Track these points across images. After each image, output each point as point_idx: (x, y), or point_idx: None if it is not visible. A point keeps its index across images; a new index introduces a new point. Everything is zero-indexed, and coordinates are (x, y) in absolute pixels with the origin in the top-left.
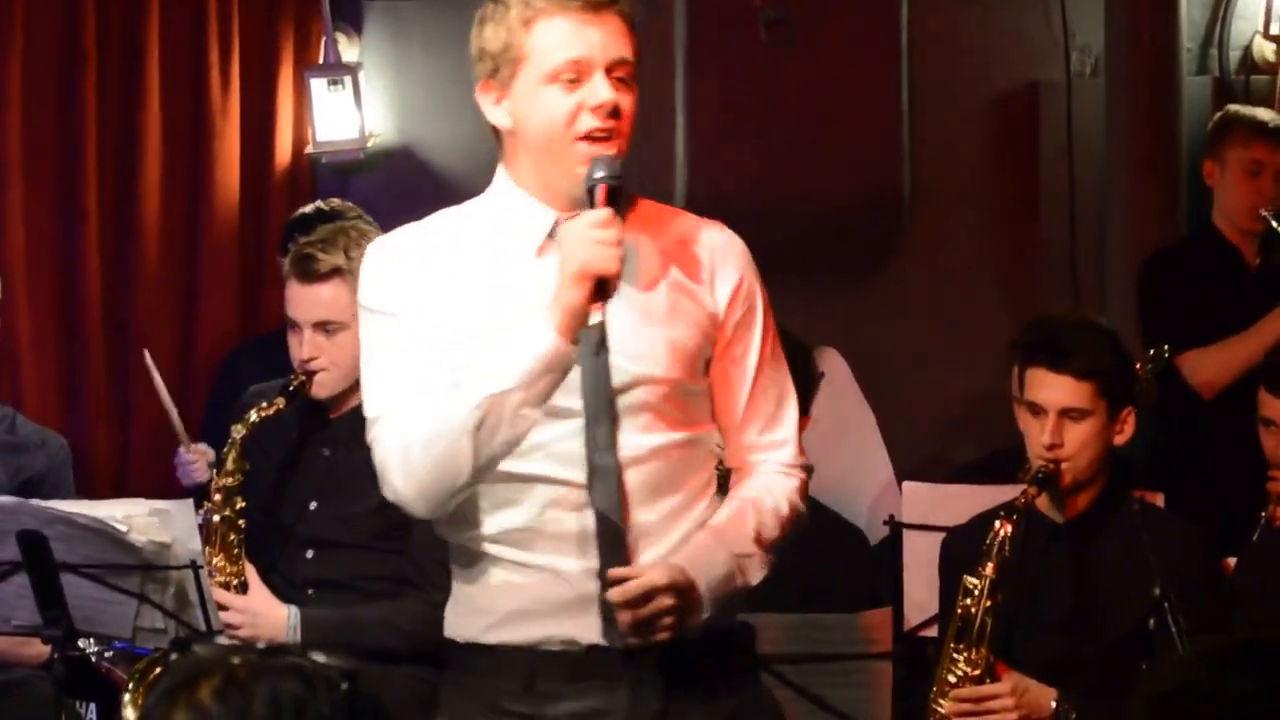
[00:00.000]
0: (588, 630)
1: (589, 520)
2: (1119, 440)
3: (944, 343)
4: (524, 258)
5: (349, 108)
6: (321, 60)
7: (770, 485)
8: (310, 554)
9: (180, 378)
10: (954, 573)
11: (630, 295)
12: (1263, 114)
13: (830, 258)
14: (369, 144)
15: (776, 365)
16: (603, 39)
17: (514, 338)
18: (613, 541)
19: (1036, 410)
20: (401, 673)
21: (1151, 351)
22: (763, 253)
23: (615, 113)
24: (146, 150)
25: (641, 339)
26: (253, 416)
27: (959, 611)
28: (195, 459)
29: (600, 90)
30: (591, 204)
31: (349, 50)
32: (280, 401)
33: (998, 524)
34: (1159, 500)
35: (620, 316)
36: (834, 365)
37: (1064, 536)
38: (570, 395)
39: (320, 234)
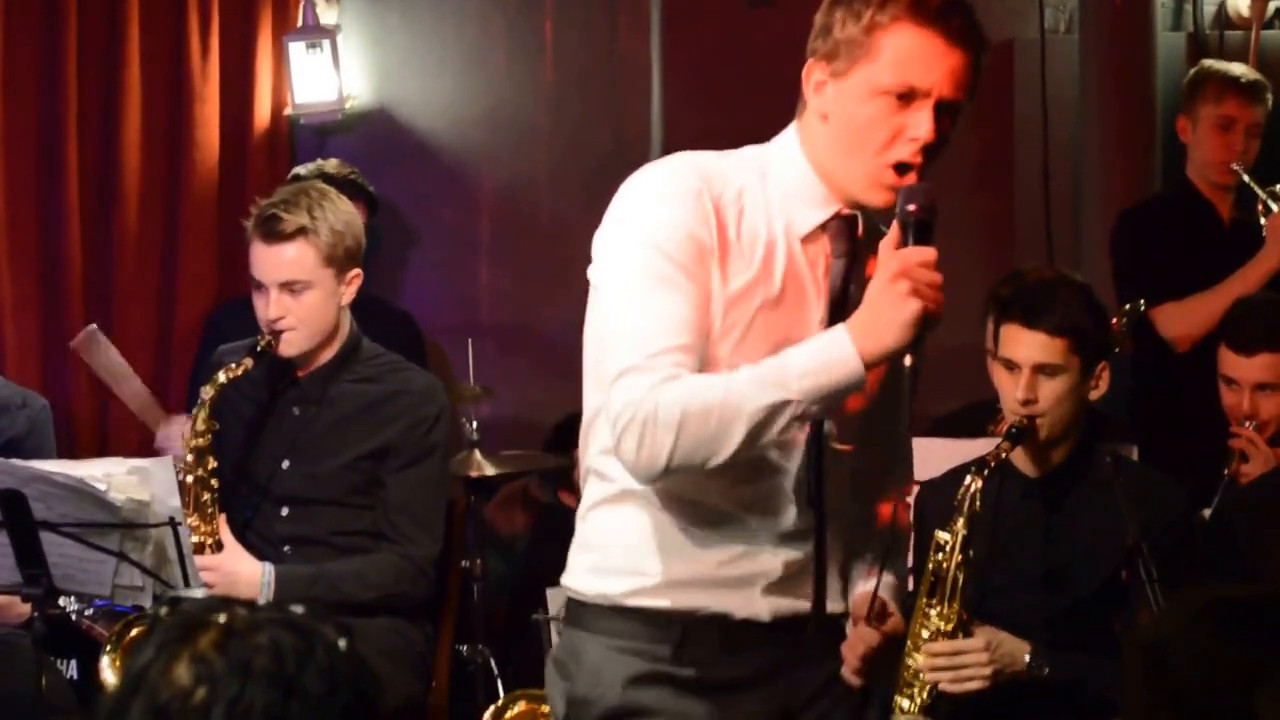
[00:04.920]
0: (744, 605)
1: (793, 507)
2: (1094, 395)
3: None
4: (791, 236)
5: (327, 70)
6: (300, 23)
7: None
8: (285, 511)
9: (161, 337)
10: (928, 527)
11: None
12: (1235, 69)
13: None
14: (346, 105)
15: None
16: (948, 73)
17: (819, 347)
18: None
19: (1011, 366)
20: (377, 626)
21: (1126, 306)
22: None
23: (927, 150)
24: (127, 113)
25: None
26: (221, 377)
27: (930, 567)
28: (174, 434)
29: (923, 124)
30: (903, 233)
31: (327, 13)
32: (248, 361)
33: (968, 479)
34: (1133, 454)
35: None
36: None
37: (1038, 491)
38: None
39: (282, 194)
